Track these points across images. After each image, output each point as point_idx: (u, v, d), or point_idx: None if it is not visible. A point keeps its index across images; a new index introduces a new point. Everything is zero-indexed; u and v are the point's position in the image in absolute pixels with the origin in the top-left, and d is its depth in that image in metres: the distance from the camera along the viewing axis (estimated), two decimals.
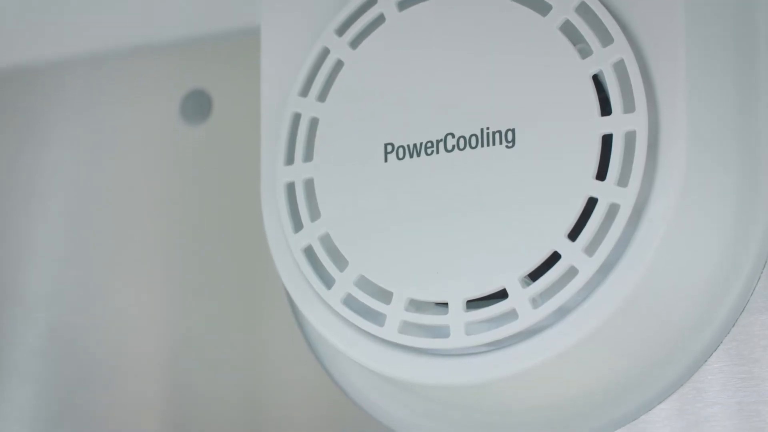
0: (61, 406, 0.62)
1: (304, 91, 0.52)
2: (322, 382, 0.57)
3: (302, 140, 0.52)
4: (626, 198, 0.46)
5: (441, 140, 0.49)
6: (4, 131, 0.67)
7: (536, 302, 0.47)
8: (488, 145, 0.48)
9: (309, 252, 0.51)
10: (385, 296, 0.50)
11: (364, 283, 0.50)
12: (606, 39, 0.47)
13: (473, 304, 0.48)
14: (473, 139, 0.49)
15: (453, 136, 0.49)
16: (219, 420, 0.59)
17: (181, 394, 0.60)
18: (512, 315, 0.47)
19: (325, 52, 0.52)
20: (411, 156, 0.50)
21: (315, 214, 0.51)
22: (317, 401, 0.57)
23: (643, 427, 0.50)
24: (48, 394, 0.62)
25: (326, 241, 0.51)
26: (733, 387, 0.49)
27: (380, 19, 0.51)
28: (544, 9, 0.48)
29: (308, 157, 0.52)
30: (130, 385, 0.61)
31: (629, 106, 0.46)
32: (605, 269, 0.47)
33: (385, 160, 0.50)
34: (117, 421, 0.61)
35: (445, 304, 0.49)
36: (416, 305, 0.49)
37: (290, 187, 0.52)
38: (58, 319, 0.64)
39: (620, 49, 0.47)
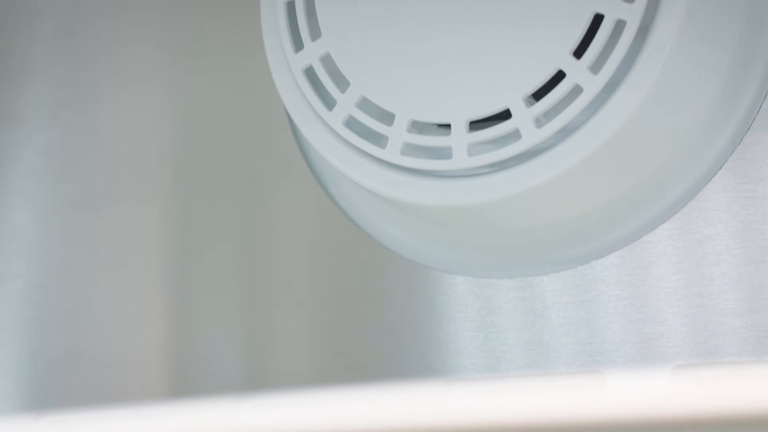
0: (61, 228, 0.62)
1: None
2: (322, 203, 0.57)
3: None
4: (633, 13, 0.45)
5: None
6: None
7: (540, 122, 0.47)
8: None
9: (310, 72, 0.51)
10: (387, 117, 0.49)
11: (365, 105, 0.50)
12: None
13: (476, 125, 0.48)
14: None
15: None
16: (217, 243, 0.59)
17: (180, 217, 0.60)
18: (515, 135, 0.47)
19: None
20: None
21: (316, 34, 0.51)
22: (317, 223, 0.57)
23: (646, 247, 0.50)
24: (47, 216, 0.62)
25: (327, 61, 0.50)
26: (737, 206, 0.49)
27: None
28: None
29: None
30: (130, 210, 0.61)
31: None
32: (610, 88, 0.46)
33: None
34: (116, 246, 0.61)
35: (448, 126, 0.48)
36: (418, 127, 0.49)
37: (290, 6, 0.51)
38: (55, 138, 0.63)
39: None
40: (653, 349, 0.50)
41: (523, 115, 0.47)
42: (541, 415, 0.34)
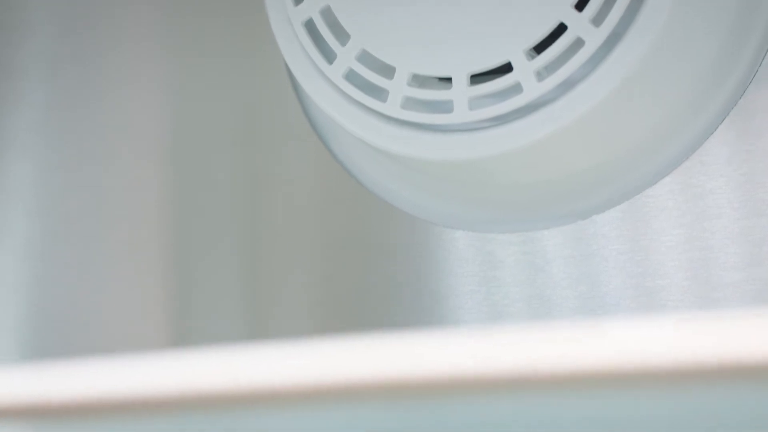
0: (61, 183, 0.62)
1: None
2: (322, 158, 0.56)
3: None
4: None
5: None
6: None
7: (541, 75, 0.47)
8: None
9: (310, 25, 0.50)
10: (388, 71, 0.49)
11: (366, 58, 0.49)
12: None
13: (477, 79, 0.48)
14: None
15: None
16: (218, 197, 0.59)
17: (181, 172, 0.60)
18: (517, 89, 0.47)
19: None
20: None
21: None
22: (317, 177, 0.57)
23: (647, 201, 0.50)
24: (47, 170, 0.62)
25: (327, 14, 0.50)
26: (738, 159, 0.49)
27: None
28: None
29: None
30: (130, 164, 0.61)
31: None
32: (611, 41, 0.46)
33: None
34: (116, 200, 0.61)
35: (449, 79, 0.48)
36: (419, 80, 0.49)
37: None
38: (56, 93, 0.63)
39: None
40: (654, 302, 0.50)
41: (525, 69, 0.47)
42: (542, 363, 0.34)
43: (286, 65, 0.52)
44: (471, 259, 0.53)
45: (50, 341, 0.61)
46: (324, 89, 0.51)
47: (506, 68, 0.47)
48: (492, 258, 0.53)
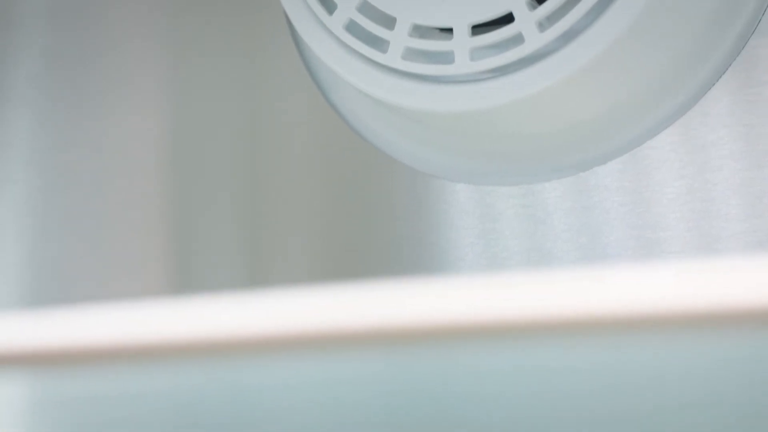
0: (61, 134, 0.62)
1: None
2: (322, 110, 0.56)
3: None
4: None
5: None
6: None
7: (543, 26, 0.47)
8: None
9: None
10: (389, 21, 0.49)
11: (366, 8, 0.49)
12: None
13: (478, 29, 0.48)
14: None
15: None
16: (218, 147, 0.59)
17: (181, 123, 0.60)
18: (518, 39, 0.47)
19: None
20: None
21: None
22: (318, 129, 0.57)
23: (648, 153, 0.50)
24: (47, 121, 0.62)
25: None
26: (740, 110, 0.49)
27: None
28: None
29: None
30: (129, 115, 0.61)
31: None
32: None
33: None
34: (116, 151, 0.61)
35: (450, 30, 0.48)
36: (420, 31, 0.49)
37: None
38: (55, 43, 0.63)
39: None
40: (655, 254, 0.50)
41: (526, 19, 0.46)
42: (543, 310, 0.34)
43: (287, 16, 0.52)
44: (471, 211, 0.53)
45: (51, 290, 0.60)
46: (324, 40, 0.50)
47: (508, 19, 0.47)
48: (492, 210, 0.53)
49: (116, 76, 0.61)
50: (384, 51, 0.49)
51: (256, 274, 0.57)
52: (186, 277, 0.58)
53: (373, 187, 0.55)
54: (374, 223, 0.55)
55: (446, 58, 0.48)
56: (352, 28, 0.49)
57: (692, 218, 0.49)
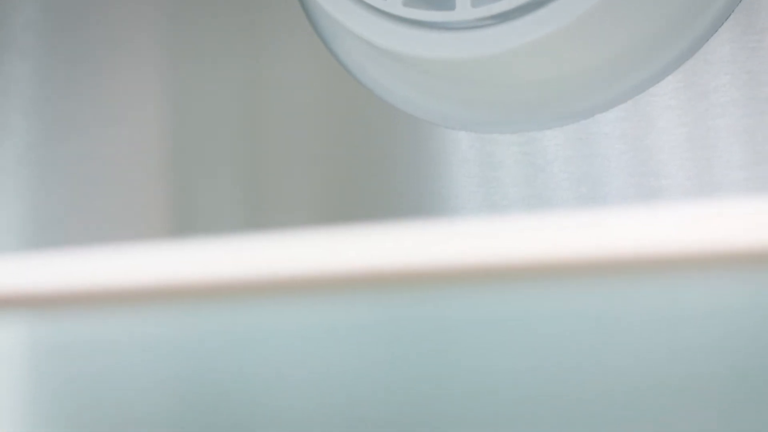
0: (60, 82, 0.62)
1: None
2: (324, 58, 0.56)
3: None
4: None
5: None
6: None
7: None
8: None
9: None
10: None
11: None
12: None
13: None
14: None
15: None
16: (219, 94, 0.58)
17: (181, 72, 0.60)
18: None
19: None
20: None
21: None
22: (319, 77, 0.57)
23: (650, 100, 0.50)
24: (46, 70, 0.62)
25: None
26: (743, 57, 0.49)
27: None
28: None
29: None
30: (129, 63, 0.61)
31: None
32: None
33: None
34: (115, 99, 0.61)
35: None
36: None
37: None
38: None
39: None
40: (657, 202, 0.49)
41: None
42: (543, 254, 0.34)
43: None
44: (471, 159, 0.53)
45: (51, 233, 0.61)
46: None
47: None
48: (492, 158, 0.53)
49: (114, 24, 0.61)
50: None
51: (256, 217, 0.57)
52: (185, 220, 0.58)
53: (374, 135, 0.55)
54: (375, 170, 0.55)
55: (447, 4, 0.48)
56: None
57: (694, 166, 0.49)
